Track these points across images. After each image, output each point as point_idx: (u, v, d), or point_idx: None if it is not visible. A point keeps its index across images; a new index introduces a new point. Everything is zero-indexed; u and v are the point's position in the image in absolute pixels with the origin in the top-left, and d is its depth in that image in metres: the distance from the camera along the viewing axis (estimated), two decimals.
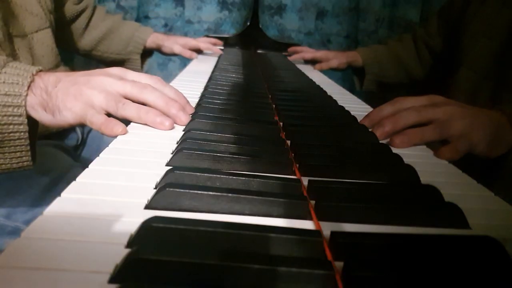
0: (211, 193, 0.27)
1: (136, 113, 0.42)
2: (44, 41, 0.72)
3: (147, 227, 0.22)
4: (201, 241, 0.22)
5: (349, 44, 1.64)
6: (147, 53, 1.09)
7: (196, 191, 0.26)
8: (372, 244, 0.23)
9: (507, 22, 0.75)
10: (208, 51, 1.17)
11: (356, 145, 0.42)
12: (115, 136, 0.40)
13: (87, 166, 0.31)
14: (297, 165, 0.35)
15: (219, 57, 1.10)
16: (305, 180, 0.31)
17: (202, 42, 1.13)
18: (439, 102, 0.48)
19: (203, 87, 0.66)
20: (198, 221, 0.23)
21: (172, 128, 0.43)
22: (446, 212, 0.28)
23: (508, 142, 0.48)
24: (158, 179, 0.30)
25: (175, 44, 1.06)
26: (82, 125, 0.80)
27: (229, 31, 1.58)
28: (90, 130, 0.87)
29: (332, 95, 0.68)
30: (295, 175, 0.34)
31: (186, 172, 0.29)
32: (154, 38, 1.06)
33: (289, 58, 1.24)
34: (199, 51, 1.15)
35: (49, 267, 0.19)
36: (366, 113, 0.51)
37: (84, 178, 0.30)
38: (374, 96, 1.10)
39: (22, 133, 0.43)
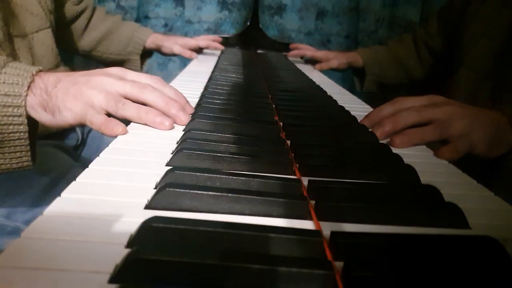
0: (211, 193, 0.27)
1: (136, 113, 0.42)
2: (44, 41, 0.72)
3: (147, 227, 0.22)
4: (201, 241, 0.22)
5: (349, 44, 1.64)
6: (146, 53, 1.09)
7: (196, 191, 0.26)
8: (372, 244, 0.23)
9: (507, 22, 0.75)
10: (208, 48, 1.17)
11: (356, 145, 0.42)
12: (115, 136, 0.40)
13: (87, 166, 0.31)
14: (297, 165, 0.35)
15: (219, 57, 1.10)
16: (305, 180, 0.31)
17: (202, 40, 1.13)
18: (439, 102, 0.48)
19: (203, 87, 0.66)
20: (198, 221, 0.23)
21: (172, 128, 0.43)
22: (446, 212, 0.28)
23: (508, 142, 0.48)
24: (158, 179, 0.30)
25: (174, 44, 1.06)
26: (82, 125, 0.80)
27: (229, 31, 1.58)
28: (90, 130, 0.87)
29: (332, 95, 0.68)
30: (295, 175, 0.34)
31: (186, 172, 0.29)
32: (153, 39, 1.06)
33: (289, 53, 1.24)
34: (199, 51, 1.15)
35: (49, 267, 0.19)
36: (366, 113, 0.51)
37: (84, 178, 0.30)
38: (374, 96, 1.10)
39: (22, 133, 0.43)
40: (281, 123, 0.47)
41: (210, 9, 1.58)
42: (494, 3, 0.79)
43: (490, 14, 0.79)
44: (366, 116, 0.51)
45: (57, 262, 0.20)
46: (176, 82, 0.71)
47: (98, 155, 0.34)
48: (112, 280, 0.19)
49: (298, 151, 0.37)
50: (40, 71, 0.44)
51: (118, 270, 0.19)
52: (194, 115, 0.46)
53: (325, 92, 0.71)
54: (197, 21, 1.59)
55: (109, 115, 0.42)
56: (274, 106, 0.56)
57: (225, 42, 1.30)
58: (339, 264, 0.21)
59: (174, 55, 1.09)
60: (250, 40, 1.36)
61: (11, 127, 0.43)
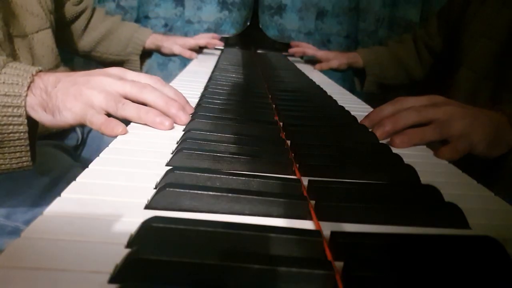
0: (211, 193, 0.27)
1: (136, 113, 0.42)
2: (44, 41, 0.72)
3: (147, 227, 0.22)
4: (201, 241, 0.22)
5: (349, 44, 1.64)
6: (146, 54, 1.09)
7: (196, 191, 0.26)
8: (372, 244, 0.23)
9: (507, 22, 0.75)
10: (208, 47, 1.17)
11: (356, 145, 0.42)
12: (115, 136, 0.40)
13: (87, 166, 0.31)
14: (297, 165, 0.35)
15: (219, 57, 1.10)
16: (305, 180, 0.31)
17: (201, 39, 1.13)
18: (439, 102, 0.48)
19: (203, 87, 0.66)
20: (198, 221, 0.23)
21: (172, 128, 0.43)
22: (446, 212, 0.28)
23: (508, 142, 0.48)
24: (158, 179, 0.30)
25: (174, 44, 1.06)
26: (82, 125, 0.80)
27: (229, 31, 1.58)
28: (90, 130, 0.87)
29: (332, 95, 0.68)
30: (295, 175, 0.34)
31: (186, 172, 0.29)
32: (153, 39, 1.06)
33: (289, 50, 1.24)
34: (199, 51, 1.15)
35: (49, 267, 0.19)
36: (366, 113, 0.51)
37: (84, 178, 0.30)
38: (374, 96, 1.10)
39: (22, 134, 0.43)
40: (281, 123, 0.47)
41: (210, 9, 1.58)
42: (494, 3, 0.79)
43: (490, 14, 0.79)
44: (366, 116, 0.51)
45: (57, 262, 0.20)
46: (176, 82, 0.71)
47: (98, 155, 0.34)
48: (112, 280, 0.19)
49: (298, 151, 0.37)
50: (40, 71, 0.44)
51: (118, 270, 0.19)
52: (194, 115, 0.46)
53: (325, 92, 0.71)
54: (197, 21, 1.59)
55: (109, 115, 0.42)
56: (274, 106, 0.56)
57: (225, 42, 1.30)
58: (339, 264, 0.21)
59: (174, 55, 1.09)
60: (250, 40, 1.36)
61: (11, 127, 0.43)
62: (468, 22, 0.84)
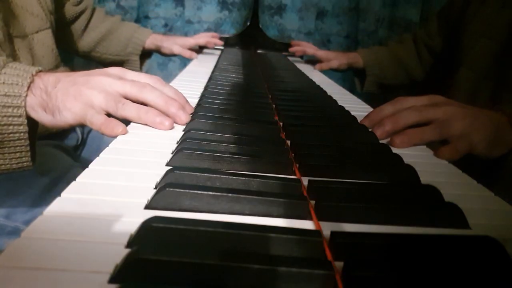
0: (211, 193, 0.27)
1: (135, 113, 0.42)
2: (44, 41, 0.72)
3: (147, 227, 0.22)
4: (201, 241, 0.22)
5: (349, 44, 1.64)
6: (146, 54, 1.09)
7: (196, 191, 0.26)
8: (372, 244, 0.23)
9: (507, 22, 0.75)
10: (208, 46, 1.17)
11: (356, 145, 0.42)
12: (115, 136, 0.40)
13: (87, 166, 0.31)
14: (297, 165, 0.35)
15: (219, 57, 1.10)
16: (305, 180, 0.31)
17: (200, 38, 1.13)
18: (439, 102, 0.48)
19: (203, 87, 0.66)
20: (198, 221, 0.23)
21: (172, 128, 0.43)
22: (446, 212, 0.28)
23: (508, 142, 0.48)
24: (158, 179, 0.30)
25: (174, 44, 1.06)
26: (82, 125, 0.80)
27: (229, 31, 1.58)
28: (90, 130, 0.87)
29: (332, 95, 0.68)
30: (295, 175, 0.34)
31: (186, 172, 0.29)
32: (153, 39, 1.06)
33: (290, 49, 1.24)
34: (199, 51, 1.15)
35: (49, 267, 0.19)
36: (366, 113, 0.51)
37: (84, 178, 0.30)
38: (374, 96, 1.10)
39: (22, 134, 0.43)
40: (281, 123, 0.47)
41: (210, 9, 1.58)
42: (494, 3, 0.79)
43: (490, 14, 0.79)
44: (366, 116, 0.51)
45: (57, 262, 0.20)
46: (176, 82, 0.71)
47: (98, 155, 0.34)
48: (112, 280, 0.19)
49: (298, 151, 0.37)
50: (40, 71, 0.44)
51: (118, 270, 0.19)
52: (194, 115, 0.46)
53: (325, 92, 0.71)
54: (197, 21, 1.59)
55: (109, 115, 0.42)
56: (274, 106, 0.56)
57: (225, 42, 1.30)
58: (339, 264, 0.21)
59: (174, 55, 1.09)
60: (250, 40, 1.36)
61: (11, 127, 0.43)
62: (468, 22, 0.84)
